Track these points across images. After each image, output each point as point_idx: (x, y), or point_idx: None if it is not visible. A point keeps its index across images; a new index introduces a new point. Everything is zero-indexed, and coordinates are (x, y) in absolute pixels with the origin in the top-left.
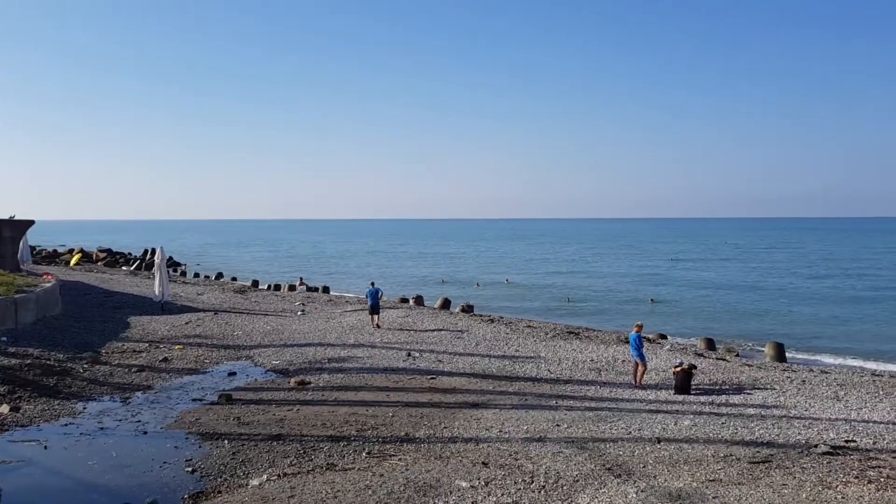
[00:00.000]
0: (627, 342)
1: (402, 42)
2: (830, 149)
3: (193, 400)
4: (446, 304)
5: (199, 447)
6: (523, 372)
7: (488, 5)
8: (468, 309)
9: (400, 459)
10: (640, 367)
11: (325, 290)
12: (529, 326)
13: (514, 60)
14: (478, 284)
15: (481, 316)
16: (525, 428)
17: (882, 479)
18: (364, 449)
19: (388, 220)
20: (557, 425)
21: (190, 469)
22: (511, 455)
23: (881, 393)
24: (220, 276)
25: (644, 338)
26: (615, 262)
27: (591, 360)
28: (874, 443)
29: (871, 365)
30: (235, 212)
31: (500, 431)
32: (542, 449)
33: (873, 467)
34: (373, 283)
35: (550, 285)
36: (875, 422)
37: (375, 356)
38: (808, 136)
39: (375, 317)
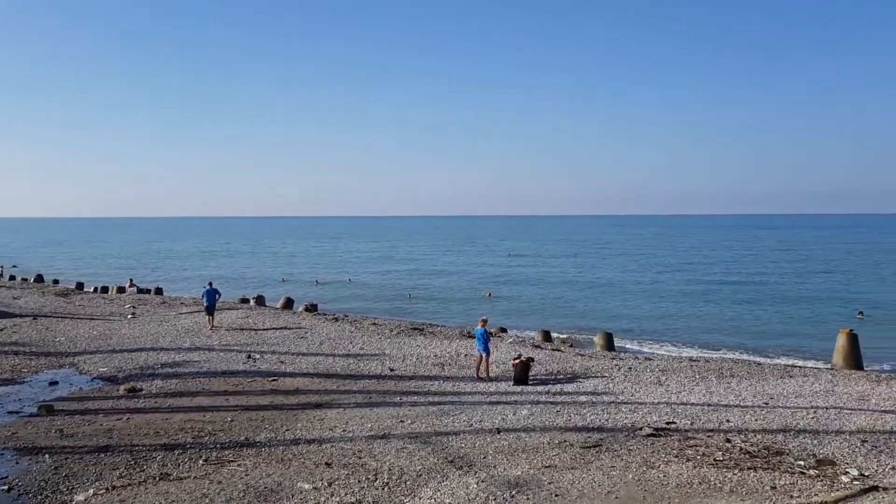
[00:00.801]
0: (470, 337)
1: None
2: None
3: (9, 413)
4: (289, 304)
5: (17, 463)
6: (368, 370)
7: None
8: (312, 308)
9: (239, 465)
10: (485, 360)
11: (158, 291)
12: (374, 324)
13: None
14: (317, 282)
15: (325, 315)
16: (369, 426)
17: (699, 457)
18: (201, 456)
19: (208, 217)
20: (401, 421)
21: (6, 487)
22: (355, 454)
23: (697, 377)
24: (40, 278)
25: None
26: (456, 258)
27: (435, 356)
28: (692, 423)
29: (689, 352)
30: (61, 209)
31: (344, 431)
32: (386, 446)
33: (691, 446)
34: (210, 283)
35: (393, 283)
36: (692, 404)
37: (213, 359)
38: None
39: (211, 318)
